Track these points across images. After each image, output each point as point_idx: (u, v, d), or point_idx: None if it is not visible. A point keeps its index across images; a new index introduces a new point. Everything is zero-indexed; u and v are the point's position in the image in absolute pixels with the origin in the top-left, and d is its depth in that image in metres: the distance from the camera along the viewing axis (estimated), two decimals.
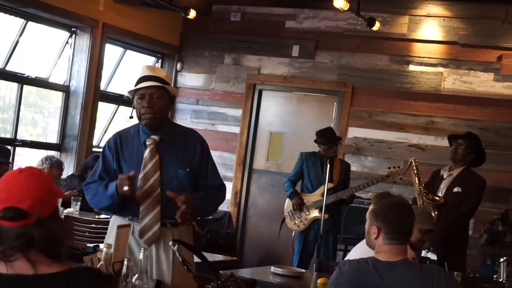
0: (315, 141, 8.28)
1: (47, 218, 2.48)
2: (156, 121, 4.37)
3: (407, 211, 3.76)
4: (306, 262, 8.16)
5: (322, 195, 7.84)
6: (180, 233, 4.35)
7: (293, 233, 8.43)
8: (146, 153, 4.37)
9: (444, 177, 7.12)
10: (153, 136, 4.40)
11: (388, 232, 3.64)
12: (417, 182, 7.07)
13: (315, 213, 8.14)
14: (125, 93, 10.12)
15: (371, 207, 3.75)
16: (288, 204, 8.34)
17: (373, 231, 3.68)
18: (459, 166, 7.08)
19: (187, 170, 4.37)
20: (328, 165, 7.59)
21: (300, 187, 8.40)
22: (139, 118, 4.41)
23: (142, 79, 4.39)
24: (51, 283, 2.44)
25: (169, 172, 4.35)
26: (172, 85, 4.98)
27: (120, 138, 4.51)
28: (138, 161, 4.37)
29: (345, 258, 4.29)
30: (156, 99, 4.34)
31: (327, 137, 8.22)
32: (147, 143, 4.39)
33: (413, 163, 7.25)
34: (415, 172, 7.16)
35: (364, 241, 5.32)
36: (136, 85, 4.41)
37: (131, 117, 4.61)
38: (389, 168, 8.06)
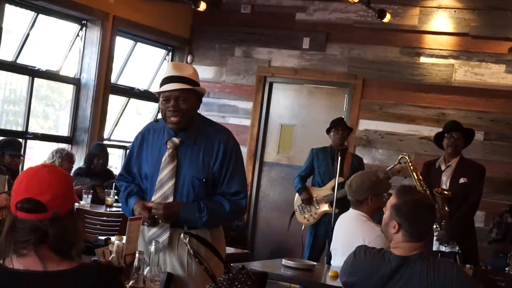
0: (327, 130, 8.30)
1: (63, 216, 2.48)
2: (182, 125, 4.22)
3: (429, 213, 3.76)
4: (317, 255, 8.17)
5: (332, 189, 7.88)
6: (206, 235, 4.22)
7: (303, 227, 8.45)
8: (165, 156, 4.26)
9: (442, 169, 7.12)
10: (174, 139, 4.27)
11: (409, 231, 3.64)
12: (415, 177, 7.08)
13: (325, 207, 8.16)
14: (136, 86, 10.21)
15: (393, 200, 3.73)
16: (297, 198, 8.37)
17: (392, 225, 3.67)
18: (455, 157, 7.11)
19: (204, 180, 4.23)
20: (339, 158, 7.58)
21: (311, 183, 8.42)
22: (165, 120, 4.26)
23: (167, 80, 4.21)
24: (59, 280, 2.45)
25: (186, 179, 4.24)
26: None
27: (147, 134, 4.43)
28: (158, 161, 4.27)
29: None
30: (182, 102, 4.17)
31: (338, 121, 8.29)
32: (168, 146, 4.28)
33: (407, 158, 7.27)
34: (411, 168, 7.16)
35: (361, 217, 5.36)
36: (161, 85, 4.24)
37: (156, 121, 4.46)
38: (400, 163, 8.06)
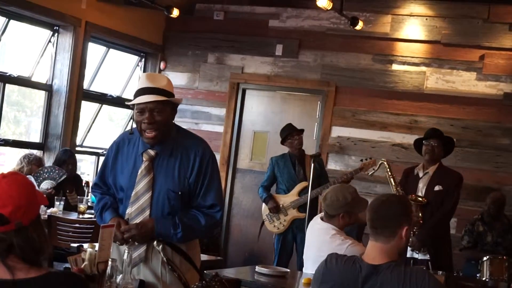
0: (283, 140, 8.37)
1: (28, 226, 2.46)
2: (158, 138, 4.15)
3: (387, 202, 3.69)
4: (285, 261, 8.22)
5: (298, 194, 7.96)
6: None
7: (274, 234, 8.46)
8: (141, 169, 4.20)
9: (420, 176, 7.14)
10: (150, 151, 4.20)
11: (369, 227, 3.63)
12: (393, 183, 7.09)
13: (293, 213, 8.20)
14: (108, 92, 10.18)
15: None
16: (265, 207, 8.39)
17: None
18: (433, 164, 7.11)
19: (179, 193, 4.17)
20: (312, 164, 7.56)
21: (275, 191, 8.45)
22: (140, 132, 4.17)
23: (141, 91, 4.12)
24: None
25: (161, 192, 4.18)
26: None
27: (122, 144, 4.35)
28: (134, 173, 4.22)
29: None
30: (157, 114, 4.09)
31: (289, 127, 8.39)
32: (143, 158, 4.21)
33: (385, 164, 7.27)
34: (389, 173, 7.16)
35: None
36: (135, 96, 4.15)
37: (131, 133, 4.34)
38: (361, 160, 8.13)
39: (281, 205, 8.28)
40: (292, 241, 8.28)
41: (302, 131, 8.47)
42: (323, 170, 8.39)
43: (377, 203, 3.68)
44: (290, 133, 8.35)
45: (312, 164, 7.43)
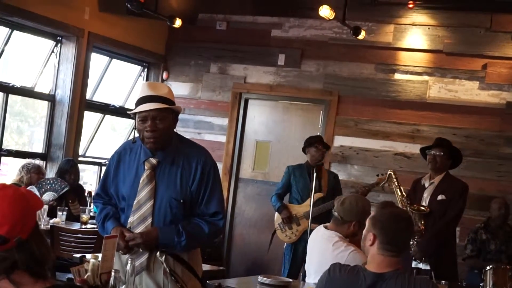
0: (306, 147, 8.31)
1: (28, 239, 2.44)
2: (160, 145, 4.18)
3: (406, 225, 3.74)
4: (296, 272, 8.16)
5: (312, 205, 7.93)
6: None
7: (285, 244, 8.43)
8: (143, 177, 4.23)
9: (426, 186, 7.13)
10: (152, 159, 4.23)
11: (384, 242, 3.62)
12: (399, 193, 7.07)
13: (306, 223, 8.14)
14: (111, 102, 10.18)
15: (372, 213, 3.75)
16: (277, 216, 8.36)
17: (369, 237, 3.67)
18: (439, 174, 7.11)
19: (181, 201, 4.19)
20: (315, 174, 7.57)
21: (288, 200, 8.42)
22: (142, 140, 4.20)
23: (143, 100, 4.15)
24: None
25: (163, 200, 4.20)
26: None
27: (124, 154, 4.37)
28: (136, 182, 4.24)
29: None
30: (160, 121, 4.12)
31: (318, 138, 8.34)
32: (145, 167, 4.24)
33: (393, 175, 7.25)
34: (396, 184, 7.15)
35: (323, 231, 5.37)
36: (136, 105, 4.18)
37: (134, 142, 4.34)
38: (377, 175, 8.09)
39: (294, 215, 8.26)
40: (303, 252, 8.22)
41: (329, 147, 8.47)
42: (338, 185, 8.35)
43: (396, 222, 3.68)
44: (317, 142, 8.29)
45: (315, 174, 7.44)
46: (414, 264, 6.76)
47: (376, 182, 8.01)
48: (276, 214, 8.38)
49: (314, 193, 8.12)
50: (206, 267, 6.29)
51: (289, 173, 8.40)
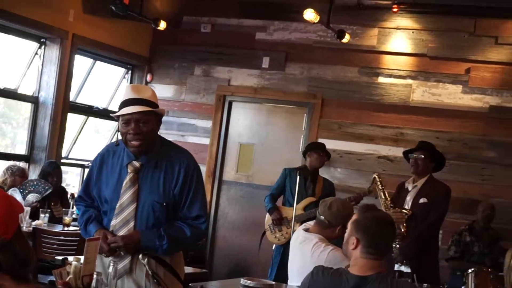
0: (307, 150, 8.31)
1: (11, 240, 2.43)
2: (143, 148, 4.17)
3: (389, 229, 3.75)
4: (284, 276, 8.14)
5: (304, 209, 7.92)
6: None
7: (273, 246, 8.42)
8: (126, 180, 4.21)
9: (409, 189, 7.15)
10: (135, 163, 4.22)
11: (367, 246, 3.63)
12: (383, 197, 7.07)
13: (296, 227, 8.14)
14: (95, 104, 10.16)
15: (354, 217, 3.75)
16: (268, 217, 8.35)
17: (352, 241, 3.67)
18: (422, 177, 7.12)
19: (164, 204, 4.19)
20: (309, 177, 7.56)
21: (281, 202, 8.41)
22: (125, 143, 4.19)
23: (126, 103, 4.14)
24: None
25: (146, 204, 4.19)
26: None
27: (107, 156, 4.35)
28: (118, 185, 4.23)
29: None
30: (143, 124, 4.12)
31: (321, 145, 8.39)
32: (128, 170, 4.22)
33: (377, 179, 7.26)
34: (380, 187, 7.16)
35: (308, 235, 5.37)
36: (120, 108, 4.17)
37: (117, 144, 4.34)
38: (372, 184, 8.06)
39: (285, 217, 8.26)
40: None
41: (329, 156, 8.48)
42: (332, 192, 8.34)
43: (379, 225, 3.68)
44: (318, 149, 8.30)
45: (298, 177, 7.45)
46: (396, 267, 6.77)
47: (369, 191, 7.96)
48: (267, 215, 8.36)
49: (307, 197, 8.16)
50: (188, 269, 6.28)
51: (285, 175, 8.38)
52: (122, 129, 4.16)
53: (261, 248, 8.70)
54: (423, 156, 7.09)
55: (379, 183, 7.18)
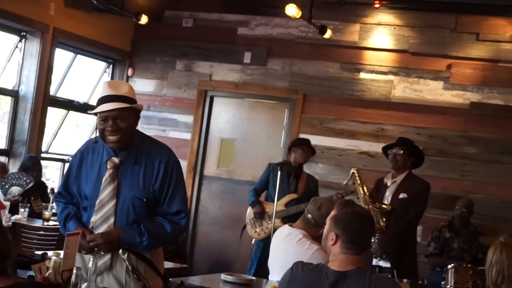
0: (290, 147, 8.29)
1: None
2: (122, 144, 4.15)
3: (368, 224, 3.76)
4: (264, 271, 8.13)
5: (286, 205, 7.91)
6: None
7: (253, 241, 8.41)
8: (105, 176, 4.19)
9: (388, 185, 7.17)
10: (114, 159, 4.20)
11: (346, 241, 3.63)
12: (361, 192, 7.08)
13: (277, 223, 8.12)
14: (75, 99, 10.11)
15: (333, 212, 3.74)
16: (250, 211, 8.34)
17: (331, 237, 3.67)
18: (402, 173, 7.15)
19: (144, 200, 4.17)
20: (292, 173, 7.54)
21: (265, 197, 8.40)
22: (104, 139, 4.17)
23: (103, 99, 4.10)
24: None
25: (126, 200, 4.18)
26: None
27: (86, 153, 4.33)
28: (98, 181, 4.21)
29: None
30: (121, 121, 4.10)
31: (306, 141, 8.34)
32: (108, 166, 4.20)
33: (355, 174, 7.26)
34: (359, 182, 7.16)
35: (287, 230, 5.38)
36: (97, 105, 4.14)
37: (95, 142, 4.29)
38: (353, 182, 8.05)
39: (266, 212, 8.24)
40: None
41: (314, 152, 8.46)
42: (316, 191, 8.31)
43: (358, 221, 3.69)
44: (303, 145, 8.27)
45: (279, 172, 7.45)
46: (374, 261, 6.79)
47: (351, 190, 7.94)
48: (249, 208, 8.35)
49: (289, 193, 8.15)
50: (169, 264, 6.28)
51: (269, 170, 8.36)
52: (100, 126, 4.14)
53: (241, 243, 8.69)
54: (402, 152, 7.12)
55: (358, 178, 7.19)
